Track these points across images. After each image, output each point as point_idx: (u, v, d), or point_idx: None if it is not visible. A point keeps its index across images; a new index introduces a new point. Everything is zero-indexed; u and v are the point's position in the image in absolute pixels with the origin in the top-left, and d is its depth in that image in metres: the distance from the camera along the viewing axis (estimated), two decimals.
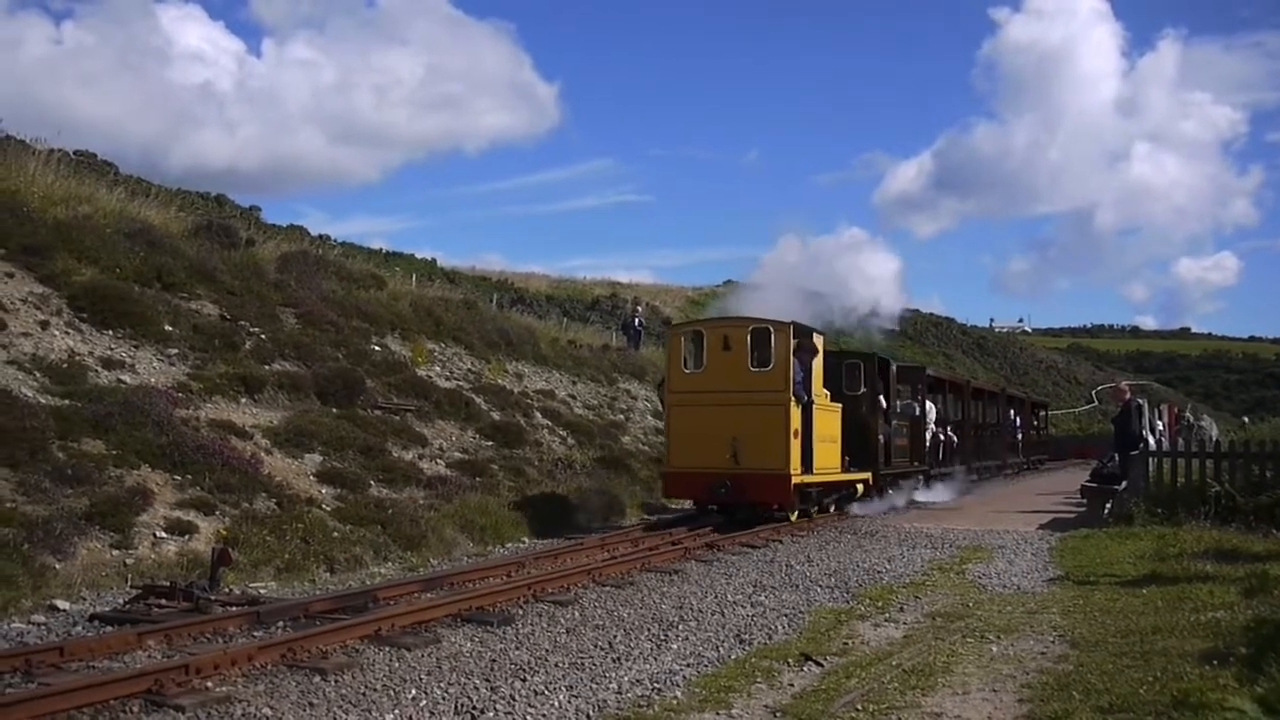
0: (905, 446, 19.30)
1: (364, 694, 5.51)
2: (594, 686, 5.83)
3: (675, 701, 5.57)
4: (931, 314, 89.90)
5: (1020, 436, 33.40)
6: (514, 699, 5.52)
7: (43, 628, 7.04)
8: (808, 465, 14.02)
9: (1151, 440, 16.15)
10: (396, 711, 5.24)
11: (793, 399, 13.43)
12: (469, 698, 5.52)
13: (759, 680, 6.02)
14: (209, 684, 5.43)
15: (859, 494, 16.34)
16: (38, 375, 11.02)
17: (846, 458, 15.88)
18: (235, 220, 23.81)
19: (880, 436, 17.18)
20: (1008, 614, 8.01)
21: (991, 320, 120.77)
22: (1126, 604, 8.26)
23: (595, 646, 6.80)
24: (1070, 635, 7.17)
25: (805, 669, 6.28)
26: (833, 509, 15.88)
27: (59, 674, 5.58)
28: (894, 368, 18.64)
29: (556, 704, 5.47)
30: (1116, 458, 17.05)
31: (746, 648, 6.88)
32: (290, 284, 17.73)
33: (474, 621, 7.28)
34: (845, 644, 6.98)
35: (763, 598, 8.70)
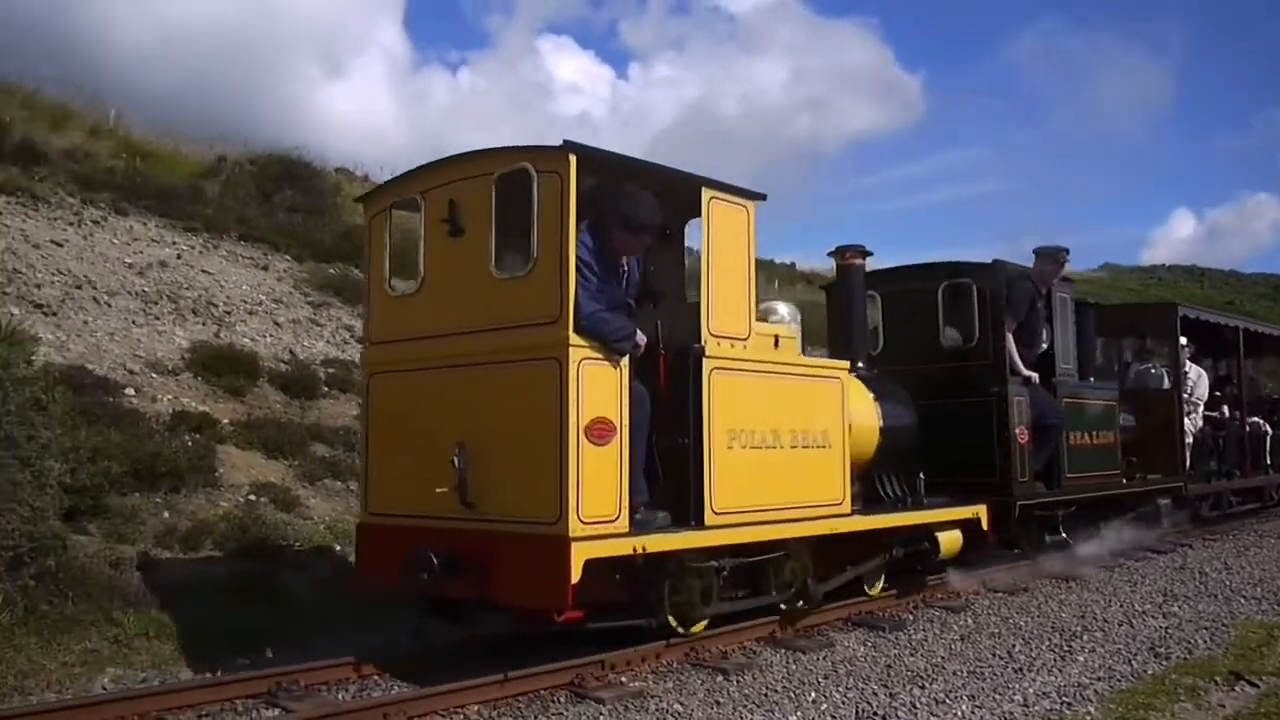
0: (1105, 446, 10.03)
1: (765, 694, 5.67)
2: (997, 697, 5.63)
3: (1088, 717, 5.28)
4: None
5: None
6: (914, 706, 5.46)
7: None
8: (686, 506, 5.99)
9: None
10: (799, 714, 5.34)
11: (590, 342, 5.45)
12: (868, 703, 5.53)
13: (1182, 698, 5.56)
14: (623, 679, 5.81)
15: (943, 551, 7.91)
16: None
17: (895, 476, 8.03)
18: None
19: (1019, 427, 8.71)
20: None
21: None
22: None
23: (993, 655, 6.57)
24: None
25: (1237, 689, 5.73)
26: (876, 587, 7.83)
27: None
28: (1064, 289, 9.65)
29: (959, 713, 5.34)
30: None
31: (1163, 662, 6.37)
32: None
33: (865, 626, 7.28)
34: None
35: (1175, 608, 8.01)
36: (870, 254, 8.47)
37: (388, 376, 6.43)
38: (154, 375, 10.37)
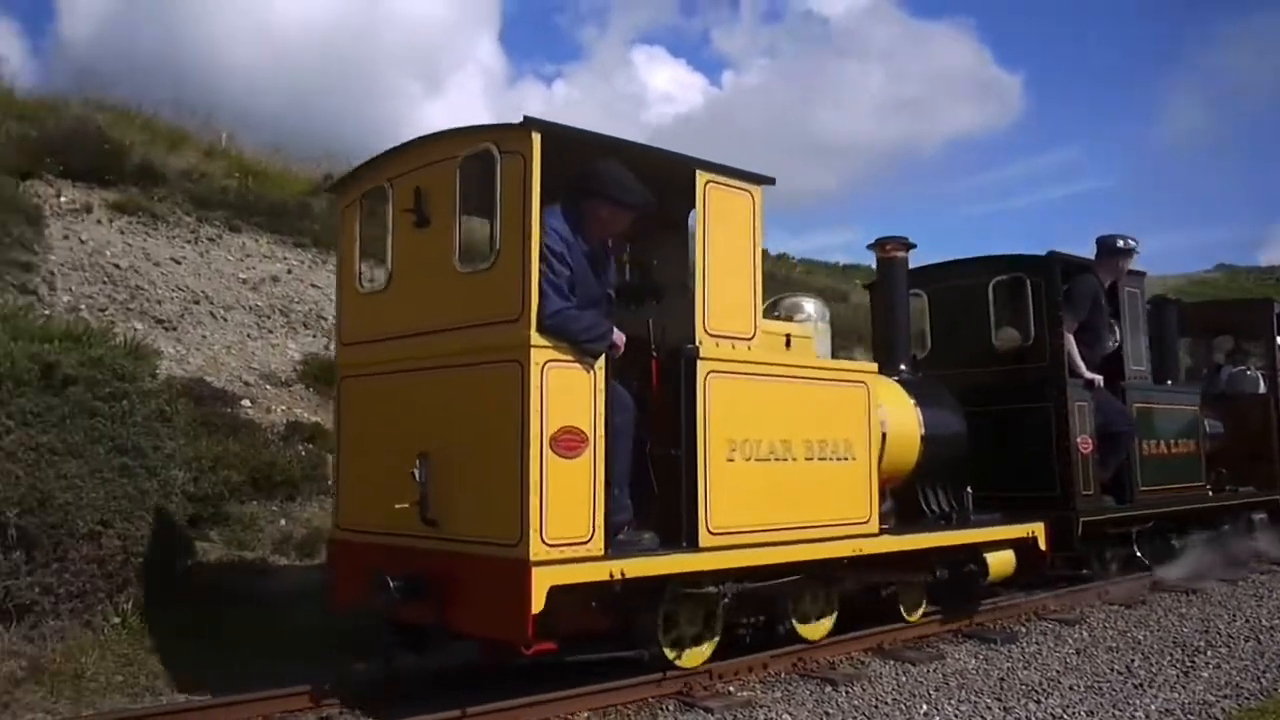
0: (1186, 455, 9.10)
1: (875, 706, 5.54)
2: (1116, 714, 5.41)
3: None
4: None
5: None
6: None
7: None
8: (677, 526, 5.36)
9: None
10: None
11: (556, 342, 4.83)
12: (981, 717, 5.36)
13: None
14: (731, 688, 5.74)
15: (991, 573, 7.12)
16: None
17: (940, 490, 7.38)
18: None
19: (1081, 436, 7.90)
20: None
21: None
22: None
23: (1111, 669, 6.33)
24: None
25: None
26: (917, 611, 7.05)
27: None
28: (1133, 283, 8.83)
29: None
30: None
31: None
32: None
33: (976, 638, 7.05)
34: None
35: None
36: (913, 246, 7.78)
37: (357, 380, 5.90)
38: (268, 387, 10.70)
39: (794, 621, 6.20)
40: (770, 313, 6.48)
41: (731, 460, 5.50)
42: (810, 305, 6.81)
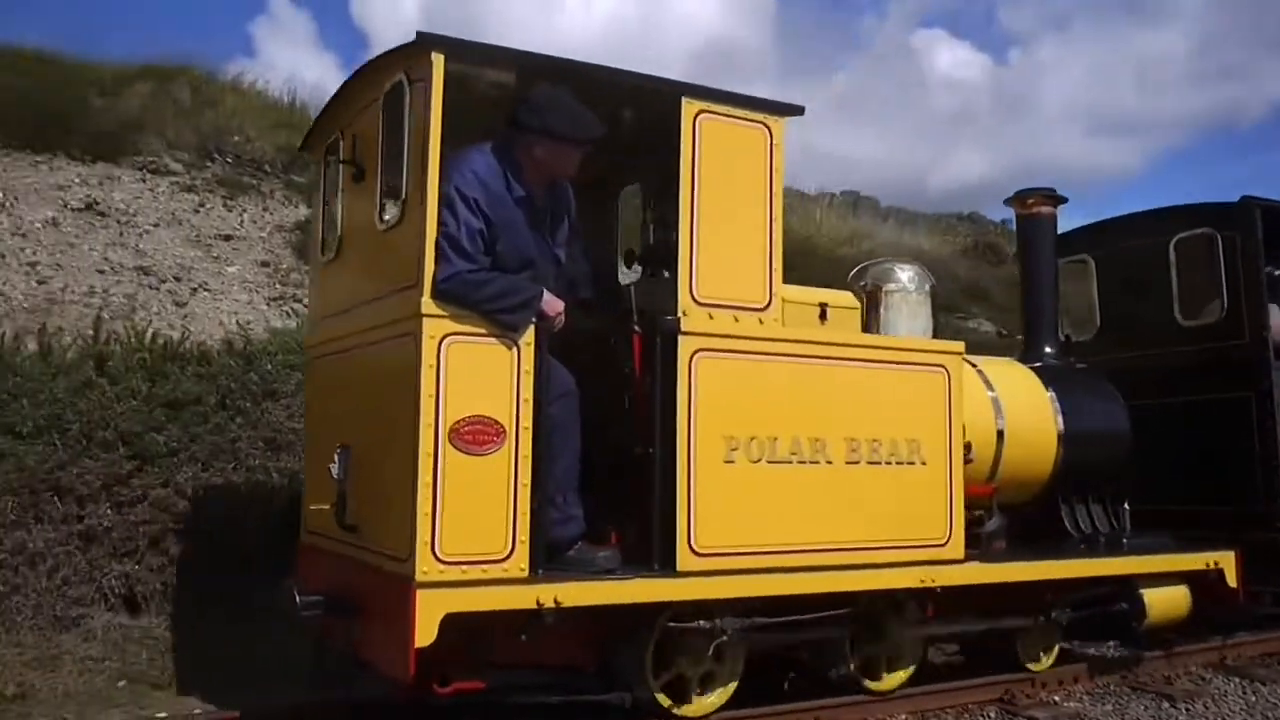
0: None
1: None
2: None
3: None
4: None
5: None
6: None
7: None
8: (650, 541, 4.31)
9: None
10: None
11: (455, 311, 3.89)
12: None
13: None
14: (1056, 698, 5.44)
15: (1151, 616, 5.54)
16: None
17: (1090, 503, 5.95)
18: (993, 236, 24.13)
19: None
20: None
21: None
22: None
23: None
24: None
25: None
26: (1043, 660, 5.64)
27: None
28: None
29: None
30: None
31: None
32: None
33: None
34: None
35: None
36: (1064, 200, 6.31)
37: (316, 363, 5.14)
38: None
39: (853, 667, 4.92)
40: (855, 282, 5.43)
41: (730, 462, 4.36)
42: (905, 273, 5.45)
